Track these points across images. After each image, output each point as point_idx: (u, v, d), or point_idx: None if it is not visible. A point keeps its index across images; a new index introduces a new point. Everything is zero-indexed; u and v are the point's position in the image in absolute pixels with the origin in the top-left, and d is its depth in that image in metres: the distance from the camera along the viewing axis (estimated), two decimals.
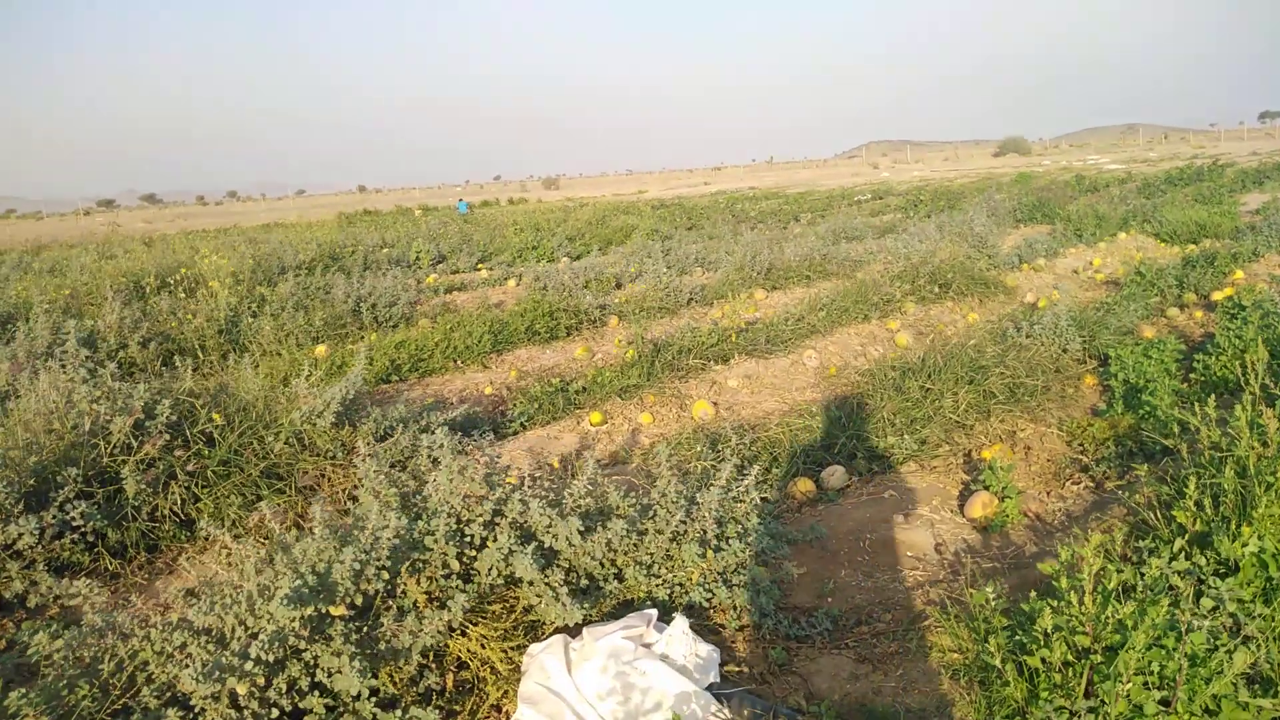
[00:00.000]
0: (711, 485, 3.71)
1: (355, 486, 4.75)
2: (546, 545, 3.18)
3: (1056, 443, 5.35)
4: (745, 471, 3.90)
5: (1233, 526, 3.43)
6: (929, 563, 3.94)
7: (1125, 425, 5.25)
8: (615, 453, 5.53)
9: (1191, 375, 6.18)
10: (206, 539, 4.35)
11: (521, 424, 6.23)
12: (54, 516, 3.84)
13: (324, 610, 2.69)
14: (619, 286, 11.95)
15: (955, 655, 3.10)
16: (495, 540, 3.06)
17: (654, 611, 3.12)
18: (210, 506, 4.41)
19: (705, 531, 3.52)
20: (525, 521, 3.20)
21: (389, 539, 2.82)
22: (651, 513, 3.54)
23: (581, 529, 3.13)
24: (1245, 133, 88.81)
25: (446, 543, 3.02)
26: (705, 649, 3.02)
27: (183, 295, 9.72)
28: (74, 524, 3.87)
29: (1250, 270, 10.40)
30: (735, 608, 3.38)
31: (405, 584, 2.96)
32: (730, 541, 3.42)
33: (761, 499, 4.56)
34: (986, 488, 4.41)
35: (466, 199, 57.00)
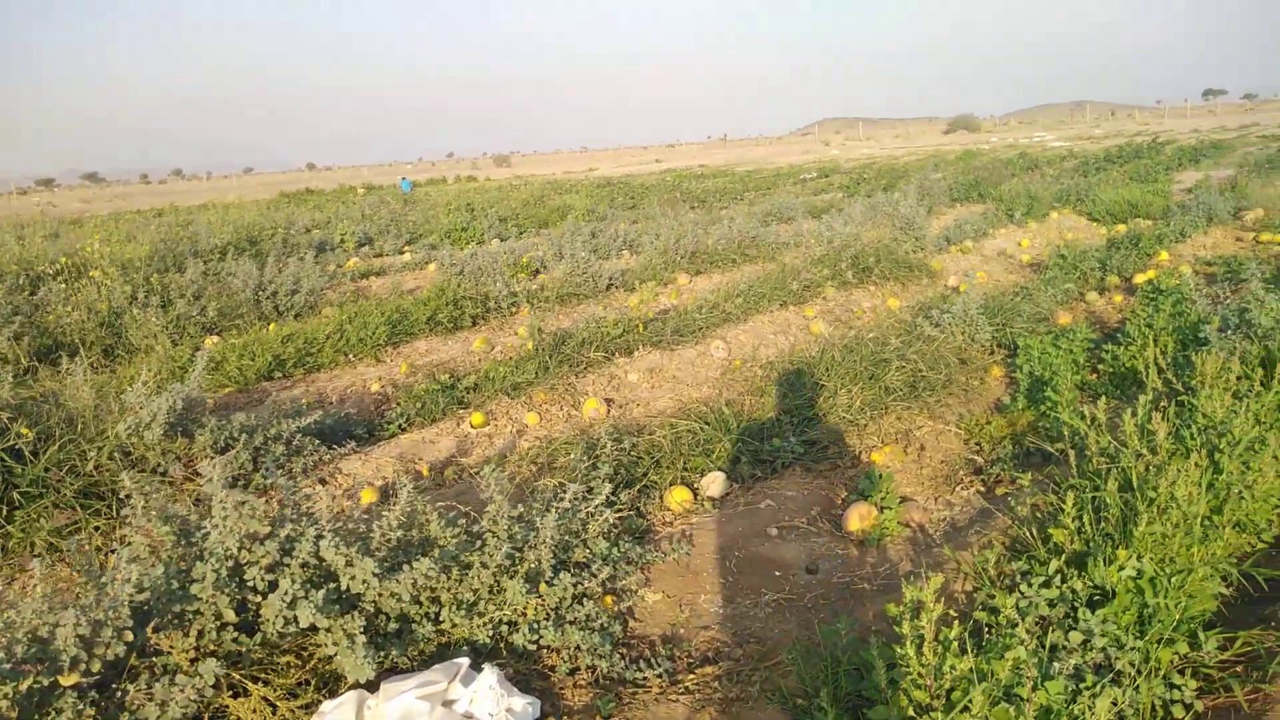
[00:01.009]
0: (553, 507, 3.36)
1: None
2: (345, 587, 2.81)
3: (953, 441, 5.08)
4: (595, 490, 3.56)
5: (1110, 548, 3.15)
6: (796, 584, 3.63)
7: (1024, 423, 4.99)
8: (490, 459, 5.15)
9: (1100, 366, 5.94)
10: (15, 567, 3.93)
11: (400, 426, 5.83)
12: None
13: (49, 681, 2.30)
14: (540, 271, 11.54)
15: (800, 701, 2.79)
16: (281, 585, 2.68)
17: (464, 661, 2.77)
18: (17, 532, 3.98)
19: (540, 562, 3.17)
20: (325, 561, 2.82)
21: (129, 594, 2.43)
22: (480, 542, 3.19)
23: (378, 570, 2.76)
24: (1189, 110, 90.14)
25: (218, 591, 2.63)
26: (520, 703, 2.68)
27: (62, 285, 9.12)
28: None
29: (1175, 251, 10.26)
30: (567, 648, 3.04)
31: (168, 640, 2.58)
32: (562, 575, 3.07)
33: (630, 512, 4.23)
34: (865, 497, 4.11)
35: (416, 177, 55.82)
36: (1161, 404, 4.62)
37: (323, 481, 4.89)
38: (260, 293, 9.64)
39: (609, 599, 3.36)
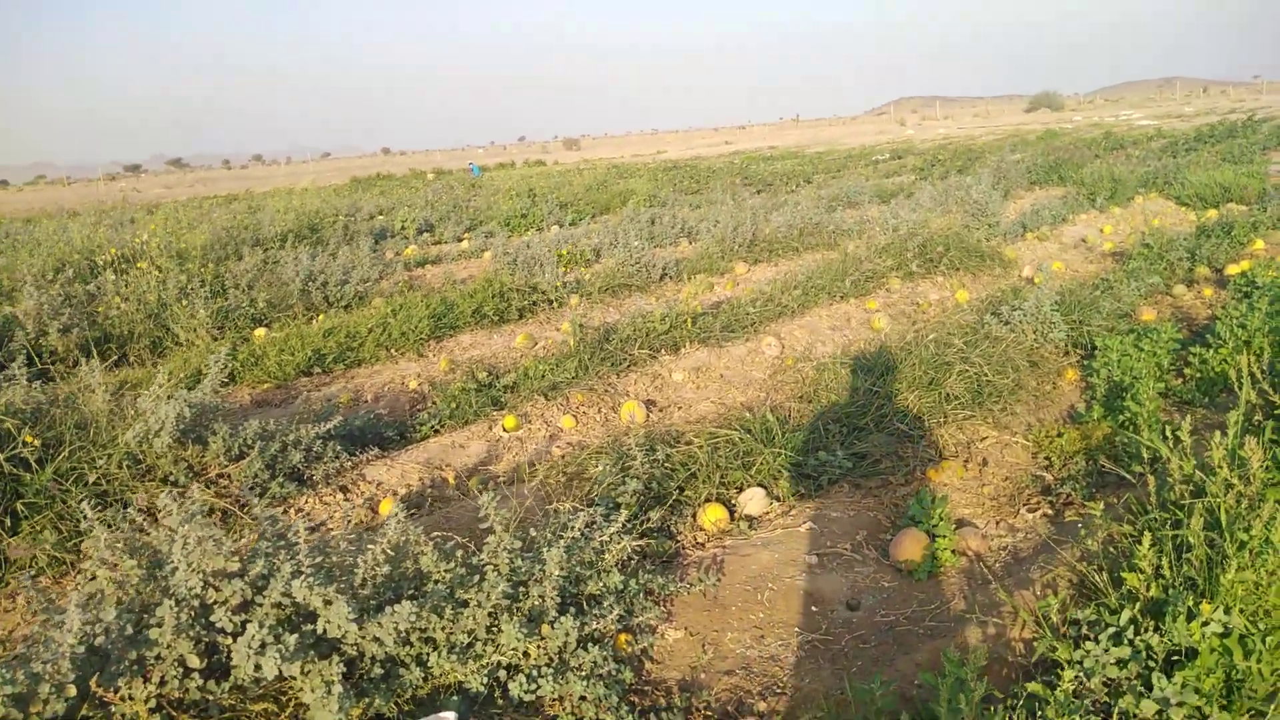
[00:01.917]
0: (562, 537, 3.08)
1: (206, 511, 4.17)
2: (321, 630, 2.56)
3: (1020, 455, 4.65)
4: (611, 516, 3.26)
5: (1193, 598, 2.74)
6: (835, 622, 3.29)
7: (1100, 435, 4.53)
8: (519, 466, 4.89)
9: (1186, 370, 5.43)
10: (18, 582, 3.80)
11: (433, 428, 5.60)
12: None
13: None
14: (596, 259, 11.27)
15: None
16: (249, 629, 2.44)
17: (450, 715, 2.50)
18: (24, 543, 3.84)
19: (544, 599, 2.88)
20: (300, 599, 2.57)
21: (70, 645, 2.21)
22: (480, 576, 2.91)
23: (354, 615, 2.49)
24: None
25: (179, 635, 2.40)
26: None
27: (112, 277, 9.12)
28: None
29: (1273, 240, 9.52)
30: (569, 698, 2.75)
31: (125, 688, 2.36)
32: (565, 617, 2.78)
33: (659, 533, 3.92)
34: (916, 523, 3.73)
35: (486, 161, 56.13)
36: (1257, 419, 4.15)
37: (344, 489, 4.69)
38: (310, 283, 9.54)
39: (624, 637, 3.06)
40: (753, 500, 4.19)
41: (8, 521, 3.86)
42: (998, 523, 4.00)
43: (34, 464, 4.04)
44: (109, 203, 34.45)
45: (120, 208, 26.80)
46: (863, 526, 3.97)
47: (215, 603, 2.53)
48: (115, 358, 7.85)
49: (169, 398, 4.18)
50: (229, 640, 2.53)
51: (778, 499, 4.27)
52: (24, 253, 11.69)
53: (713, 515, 4.06)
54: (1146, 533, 2.89)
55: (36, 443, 4.04)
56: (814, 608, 3.38)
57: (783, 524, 4.02)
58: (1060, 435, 4.62)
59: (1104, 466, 4.12)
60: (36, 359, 7.39)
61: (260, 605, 2.55)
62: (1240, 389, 3.75)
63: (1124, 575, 2.88)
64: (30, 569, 3.82)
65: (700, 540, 3.98)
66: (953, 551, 3.62)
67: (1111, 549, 3.27)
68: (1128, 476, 3.42)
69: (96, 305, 8.73)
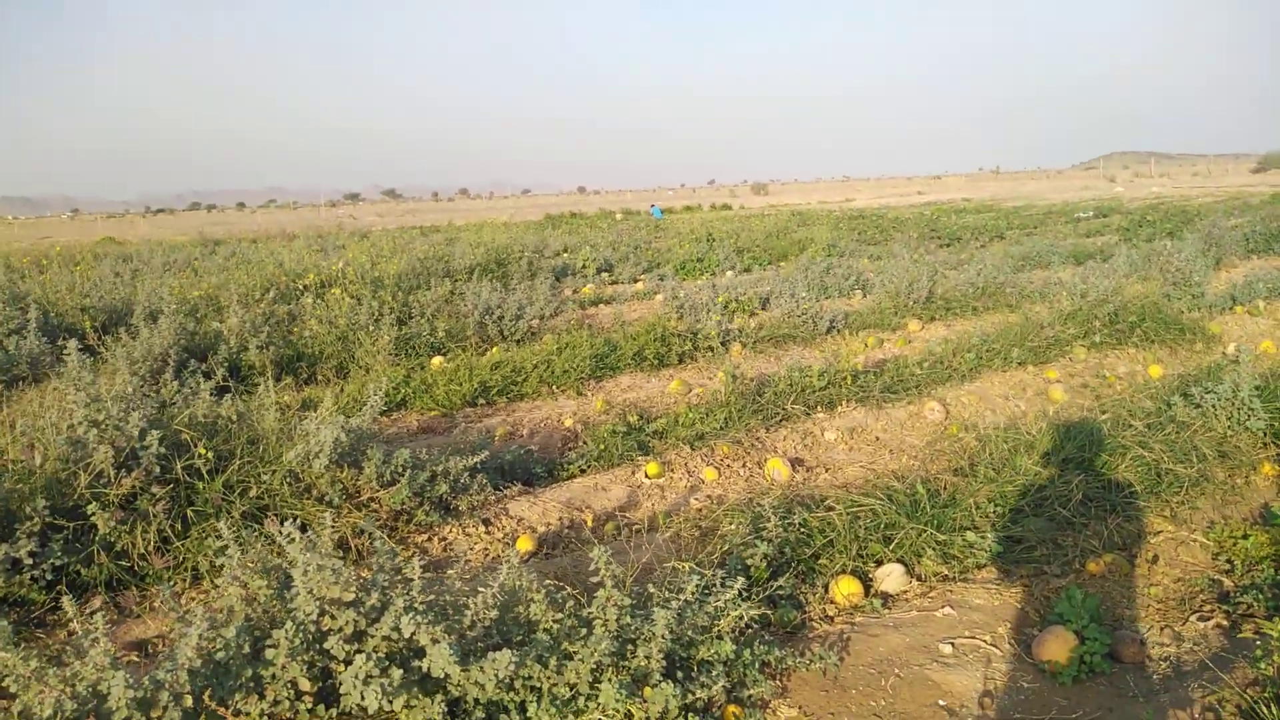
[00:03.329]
0: (674, 599, 3.02)
1: (356, 533, 4.38)
2: (426, 668, 2.61)
3: (1197, 554, 4.22)
4: (728, 582, 3.18)
5: None
6: None
7: None
8: (655, 515, 4.87)
9: None
10: (185, 581, 4.10)
11: (579, 467, 5.68)
12: (2, 554, 3.66)
13: None
14: (763, 307, 11.20)
15: None
16: (356, 661, 2.52)
17: None
18: (193, 547, 4.15)
19: (649, 660, 2.84)
20: (409, 635, 2.64)
21: (189, 657, 2.35)
22: (589, 630, 2.90)
23: (455, 656, 2.53)
24: None
25: (291, 659, 2.51)
26: None
27: (310, 300, 9.82)
28: (23, 564, 3.68)
29: None
30: None
31: (242, 703, 2.48)
32: (664, 684, 2.72)
33: (786, 602, 3.79)
34: (1065, 621, 3.44)
35: (675, 203, 57.23)
36: None
37: (487, 522, 4.81)
38: (487, 316, 9.93)
39: (732, 709, 2.97)
40: (890, 577, 3.99)
41: (179, 526, 4.18)
42: (1162, 629, 3.63)
43: (206, 474, 4.36)
44: (327, 228, 37.35)
45: (335, 234, 29.01)
46: (1006, 618, 3.69)
47: (330, 630, 2.64)
48: (305, 376, 8.41)
49: (328, 423, 4.43)
50: (341, 668, 2.62)
51: (918, 578, 4.05)
52: (239, 272, 12.77)
53: (846, 589, 3.89)
54: None
55: (210, 455, 4.36)
56: (941, 702, 3.16)
57: (919, 606, 3.80)
58: (1246, 537, 4.16)
59: None
60: (236, 372, 8.03)
61: (372, 637, 2.63)
62: None
63: None
64: (179, 579, 4.10)
65: (829, 614, 3.82)
66: (1104, 656, 3.32)
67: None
68: None
69: (294, 325, 9.42)
